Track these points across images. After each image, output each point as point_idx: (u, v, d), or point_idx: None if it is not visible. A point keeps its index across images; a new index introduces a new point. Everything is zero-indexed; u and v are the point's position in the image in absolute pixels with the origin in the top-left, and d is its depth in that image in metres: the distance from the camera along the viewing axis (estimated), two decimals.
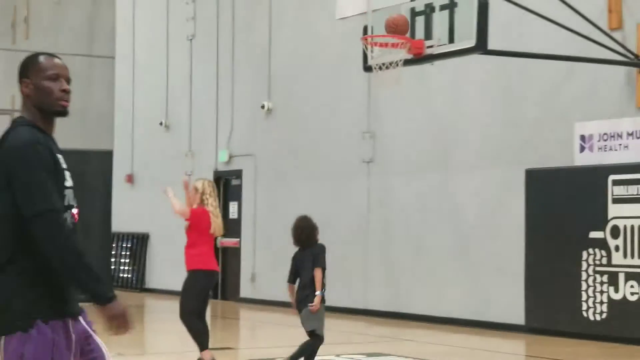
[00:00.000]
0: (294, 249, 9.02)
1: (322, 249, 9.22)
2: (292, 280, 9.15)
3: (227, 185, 19.06)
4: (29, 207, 3.77)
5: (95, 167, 18.26)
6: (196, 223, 9.42)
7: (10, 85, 23.86)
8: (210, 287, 9.97)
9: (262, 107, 17.94)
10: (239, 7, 18.74)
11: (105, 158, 18.70)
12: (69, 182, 3.96)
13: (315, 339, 8.95)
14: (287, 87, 17.61)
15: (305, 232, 9.24)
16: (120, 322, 3.86)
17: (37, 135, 3.86)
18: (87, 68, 22.70)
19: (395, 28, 10.11)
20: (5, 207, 3.83)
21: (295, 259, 9.20)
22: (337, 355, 10.75)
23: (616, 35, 11.95)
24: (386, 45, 10.39)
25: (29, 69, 3.98)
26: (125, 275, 21.30)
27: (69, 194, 3.96)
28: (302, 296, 8.96)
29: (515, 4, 11.17)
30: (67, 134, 24.32)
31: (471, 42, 10.14)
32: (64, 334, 3.85)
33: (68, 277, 3.84)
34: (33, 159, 3.81)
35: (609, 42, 11.67)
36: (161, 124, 20.72)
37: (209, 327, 9.79)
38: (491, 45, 10.39)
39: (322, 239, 16.64)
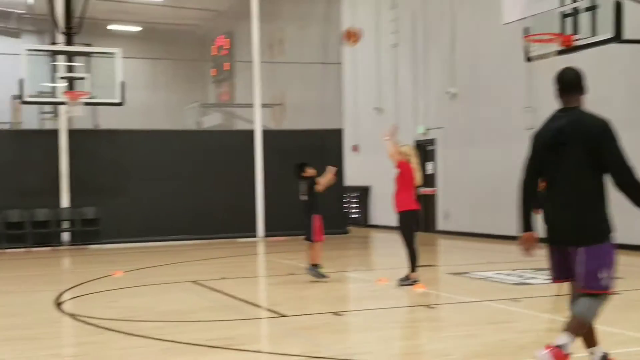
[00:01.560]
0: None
1: None
2: None
3: (424, 150, 19.01)
4: (618, 165, 4.43)
5: (331, 141, 18.75)
6: (403, 172, 9.40)
7: (271, 87, 24.80)
8: (415, 222, 9.83)
9: (448, 92, 17.76)
10: (429, 20, 18.55)
11: (337, 134, 19.13)
12: None
13: None
14: (467, 77, 17.32)
15: None
16: None
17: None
18: (322, 71, 23.14)
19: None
20: (590, 164, 4.47)
21: None
22: (513, 270, 10.56)
23: None
24: (543, 41, 9.98)
25: (583, 80, 4.85)
26: (355, 216, 21.75)
27: None
28: None
29: None
30: (311, 119, 24.98)
31: (609, 34, 9.60)
32: None
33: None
34: (614, 133, 4.52)
35: None
36: (375, 108, 20.89)
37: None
38: (625, 36, 9.77)
39: (492, 194, 16.33)
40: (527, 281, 9.57)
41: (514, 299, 8.07)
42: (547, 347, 4.36)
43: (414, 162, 9.49)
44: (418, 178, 9.48)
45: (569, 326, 4.42)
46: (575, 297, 4.59)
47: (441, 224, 18.16)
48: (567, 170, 4.52)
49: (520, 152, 16.87)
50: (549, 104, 16.43)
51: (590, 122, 4.53)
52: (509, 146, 15.84)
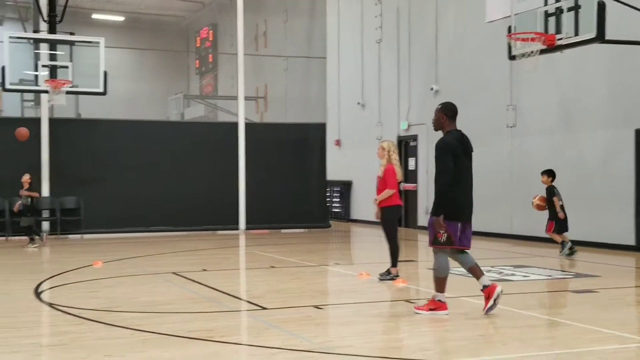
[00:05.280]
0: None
1: None
2: None
3: (407, 146, 19.05)
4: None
5: (314, 135, 18.72)
6: (388, 174, 9.38)
7: (254, 80, 24.69)
8: (397, 217, 9.84)
9: (431, 89, 17.79)
10: (413, 17, 18.57)
11: (320, 128, 19.10)
12: None
13: None
14: (449, 74, 17.36)
15: None
16: None
17: None
18: (306, 65, 23.10)
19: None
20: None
21: None
22: (492, 267, 10.62)
23: None
24: (527, 40, 9.99)
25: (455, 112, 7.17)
26: (337, 210, 21.76)
27: None
28: None
29: (626, 4, 10.48)
30: (294, 113, 24.93)
31: (592, 34, 9.64)
32: None
33: None
34: None
35: None
36: (359, 103, 20.88)
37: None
38: (607, 36, 9.81)
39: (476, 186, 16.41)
40: (507, 278, 9.61)
41: None
42: (494, 284, 7.03)
43: (395, 159, 9.45)
44: (399, 174, 9.46)
45: (478, 271, 7.13)
46: (457, 255, 7.09)
47: (422, 219, 18.21)
48: (470, 170, 7.06)
49: (502, 148, 17.12)
50: (531, 101, 16.60)
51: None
52: (491, 143, 15.91)
